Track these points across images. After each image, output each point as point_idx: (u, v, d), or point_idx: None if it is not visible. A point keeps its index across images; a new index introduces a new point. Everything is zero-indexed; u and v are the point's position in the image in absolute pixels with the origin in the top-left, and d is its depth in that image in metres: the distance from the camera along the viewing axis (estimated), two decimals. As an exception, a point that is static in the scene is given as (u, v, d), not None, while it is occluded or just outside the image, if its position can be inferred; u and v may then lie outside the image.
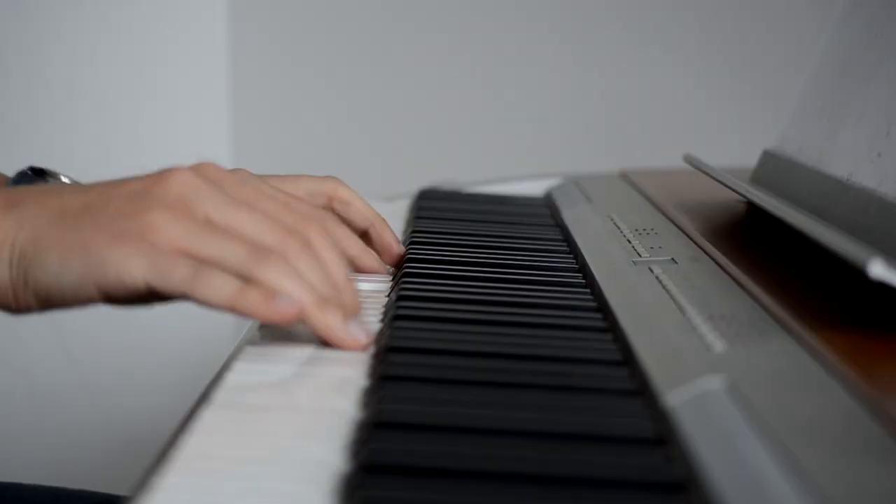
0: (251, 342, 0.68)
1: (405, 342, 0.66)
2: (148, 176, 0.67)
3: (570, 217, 1.00)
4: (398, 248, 0.85)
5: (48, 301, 0.65)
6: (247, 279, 0.64)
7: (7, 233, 0.65)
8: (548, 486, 0.50)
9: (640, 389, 0.60)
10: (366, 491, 0.48)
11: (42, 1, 1.66)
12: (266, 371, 0.64)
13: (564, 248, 0.91)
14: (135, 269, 0.63)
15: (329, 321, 0.66)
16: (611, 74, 1.82)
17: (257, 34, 1.79)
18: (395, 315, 0.71)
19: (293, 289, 0.64)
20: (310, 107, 1.81)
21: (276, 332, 0.69)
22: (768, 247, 0.84)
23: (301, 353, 0.66)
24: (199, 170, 0.67)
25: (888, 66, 0.83)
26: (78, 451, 1.72)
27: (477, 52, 1.82)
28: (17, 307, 0.66)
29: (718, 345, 0.62)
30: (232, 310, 0.64)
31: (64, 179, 0.85)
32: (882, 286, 0.60)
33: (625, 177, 1.16)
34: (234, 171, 0.71)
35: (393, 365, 0.63)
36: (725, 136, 1.80)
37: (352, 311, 0.68)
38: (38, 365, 1.70)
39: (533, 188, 1.18)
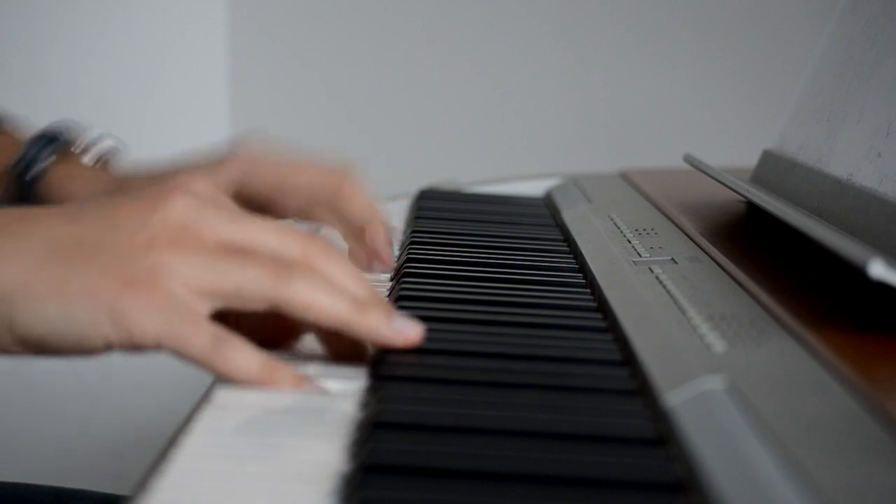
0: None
1: (405, 342, 0.66)
2: (141, 202, 0.61)
3: (570, 217, 1.00)
4: (385, 256, 0.85)
5: (41, 350, 0.59)
6: (278, 301, 0.60)
7: None
8: (548, 486, 0.50)
9: (640, 389, 0.60)
10: (366, 491, 0.48)
11: (42, 1, 1.66)
12: (266, 371, 0.63)
13: (564, 248, 0.91)
14: (148, 326, 0.57)
15: (373, 322, 0.62)
16: (611, 75, 1.82)
17: (257, 34, 1.79)
18: (395, 315, 0.71)
19: (326, 300, 0.60)
20: (309, 107, 1.81)
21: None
22: (768, 247, 0.84)
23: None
24: (192, 190, 0.61)
25: (888, 66, 0.83)
26: (78, 451, 1.72)
27: (477, 52, 1.82)
28: None
29: (718, 345, 0.62)
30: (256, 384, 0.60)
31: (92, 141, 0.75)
32: (882, 286, 0.60)
33: (625, 177, 1.16)
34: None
35: (393, 365, 0.63)
36: (725, 136, 1.80)
37: (388, 309, 0.64)
38: (38, 365, 1.69)
39: (533, 188, 1.18)
